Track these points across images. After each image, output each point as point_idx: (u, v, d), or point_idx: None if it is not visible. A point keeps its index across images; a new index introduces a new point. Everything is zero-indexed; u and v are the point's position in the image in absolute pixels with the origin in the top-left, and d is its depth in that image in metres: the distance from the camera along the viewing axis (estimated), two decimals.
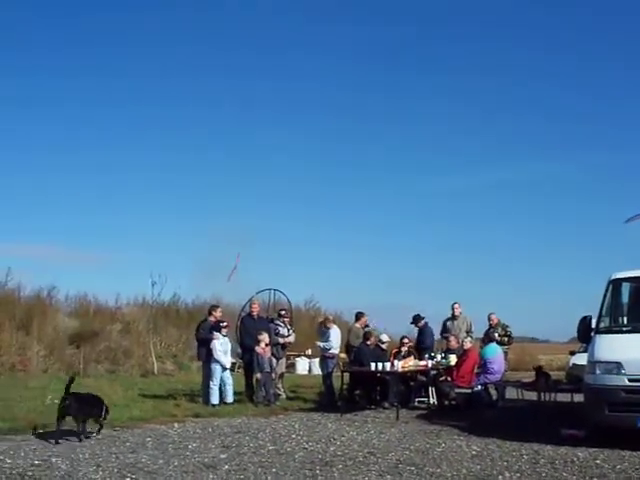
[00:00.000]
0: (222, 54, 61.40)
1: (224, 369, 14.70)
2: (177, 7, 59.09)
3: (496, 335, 16.30)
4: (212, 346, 14.68)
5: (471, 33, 63.55)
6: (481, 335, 17.15)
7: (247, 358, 15.48)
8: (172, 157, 59.60)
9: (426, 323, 17.07)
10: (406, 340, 16.64)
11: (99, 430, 10.73)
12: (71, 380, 10.60)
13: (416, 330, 17.29)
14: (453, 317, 17.18)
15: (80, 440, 10.13)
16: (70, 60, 56.34)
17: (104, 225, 55.47)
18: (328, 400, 15.36)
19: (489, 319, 17.03)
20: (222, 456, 9.33)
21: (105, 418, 10.91)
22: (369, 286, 52.09)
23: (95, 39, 57.92)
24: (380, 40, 63.02)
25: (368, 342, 15.73)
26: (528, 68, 64.53)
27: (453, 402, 14.94)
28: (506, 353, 16.85)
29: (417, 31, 63.40)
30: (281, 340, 15.98)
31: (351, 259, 59.62)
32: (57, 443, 9.88)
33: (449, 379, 15.07)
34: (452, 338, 16.28)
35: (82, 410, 10.39)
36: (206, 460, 9.05)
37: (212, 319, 15.37)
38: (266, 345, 15.06)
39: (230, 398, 14.74)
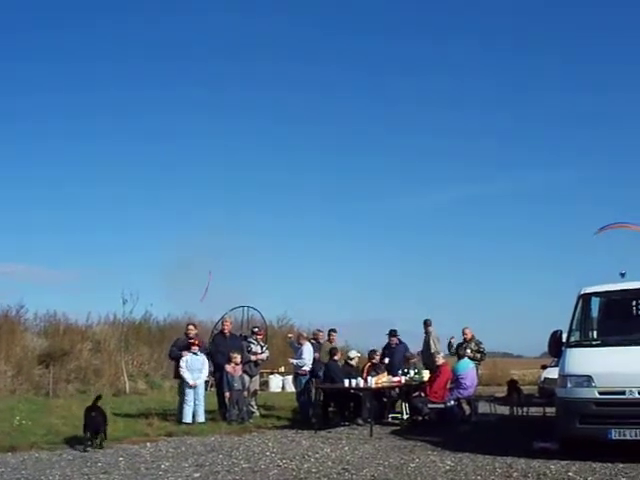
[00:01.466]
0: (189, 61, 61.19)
1: (194, 387, 14.61)
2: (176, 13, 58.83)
3: (468, 351, 16.38)
4: (181, 364, 14.66)
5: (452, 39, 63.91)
6: (447, 350, 17.28)
7: (218, 376, 15.41)
8: (142, 172, 59.24)
9: (399, 340, 17.09)
10: (376, 354, 16.67)
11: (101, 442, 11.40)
12: (98, 398, 11.96)
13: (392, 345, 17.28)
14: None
15: (101, 448, 11.11)
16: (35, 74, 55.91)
17: (73, 243, 55.04)
18: (302, 417, 15.32)
19: (463, 333, 17.09)
20: (195, 475, 9.27)
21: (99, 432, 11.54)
22: (343, 303, 52.13)
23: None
24: (355, 50, 63.34)
25: (335, 358, 15.73)
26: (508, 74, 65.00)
27: (426, 417, 14.98)
28: (477, 368, 16.94)
29: (394, 41, 63.69)
30: (253, 357, 15.90)
31: (326, 276, 59.65)
32: (85, 451, 10.93)
33: (422, 395, 15.12)
34: (408, 354, 16.57)
35: (103, 423, 11.44)
36: (180, 479, 8.99)
37: (186, 337, 15.36)
38: (236, 364, 15.00)
39: (201, 417, 14.64)
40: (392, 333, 17.04)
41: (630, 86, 62.74)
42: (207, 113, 62.09)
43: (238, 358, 15.06)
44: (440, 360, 15.58)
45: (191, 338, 15.18)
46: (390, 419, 15.43)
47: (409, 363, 16.35)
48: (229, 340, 15.71)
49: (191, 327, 15.89)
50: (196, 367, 14.77)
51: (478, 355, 16.97)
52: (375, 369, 15.98)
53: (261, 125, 63.26)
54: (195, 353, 14.84)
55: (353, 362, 16.15)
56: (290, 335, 18.06)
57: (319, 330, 17.39)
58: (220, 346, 15.55)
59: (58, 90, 55.94)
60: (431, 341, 17.24)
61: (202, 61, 61.71)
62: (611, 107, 64.25)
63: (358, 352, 17.16)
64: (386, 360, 16.69)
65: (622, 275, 11.96)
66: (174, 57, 60.84)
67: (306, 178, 64.74)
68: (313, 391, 15.32)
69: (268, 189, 61.90)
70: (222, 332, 16.01)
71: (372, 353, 16.92)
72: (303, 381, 15.65)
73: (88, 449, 11.03)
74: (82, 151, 57.95)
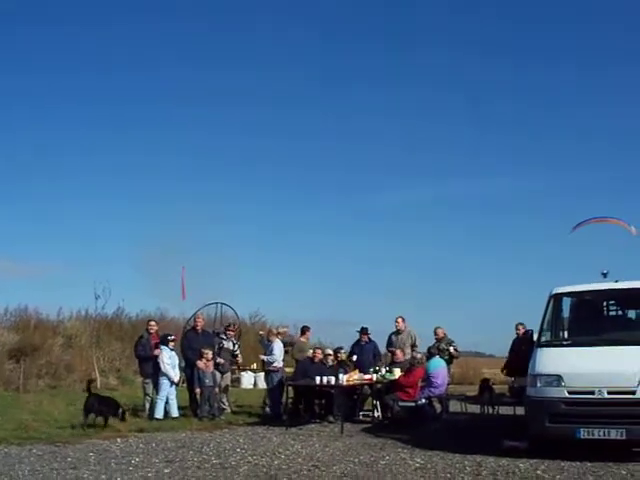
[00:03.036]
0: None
1: (172, 383, 14.63)
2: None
3: (451, 349, 16.47)
4: (159, 360, 14.60)
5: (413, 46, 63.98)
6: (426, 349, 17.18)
7: (189, 372, 15.38)
8: (115, 162, 58.43)
9: (369, 338, 17.03)
10: (341, 352, 16.72)
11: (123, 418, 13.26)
12: (89, 382, 14.00)
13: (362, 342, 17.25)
14: (397, 331, 17.17)
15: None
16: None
17: (45, 235, 54.38)
18: (273, 414, 15.31)
19: (435, 333, 17.10)
20: (166, 471, 9.26)
21: (124, 419, 13.23)
22: (315, 301, 52.01)
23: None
24: (316, 55, 63.15)
25: (315, 358, 15.69)
26: (467, 80, 65.12)
27: (398, 415, 15.01)
28: (449, 367, 16.99)
29: (360, 45, 63.49)
30: (222, 361, 15.82)
31: (297, 275, 59.46)
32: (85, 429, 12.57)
33: (394, 392, 15.14)
34: (398, 351, 16.28)
35: (101, 408, 12.99)
36: (149, 475, 8.98)
37: (148, 334, 15.31)
38: (208, 360, 14.99)
39: (175, 412, 14.64)
40: (363, 331, 16.97)
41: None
42: (183, 100, 61.43)
43: (210, 354, 15.06)
44: (421, 362, 15.36)
45: (167, 334, 15.21)
46: (361, 417, 15.46)
47: (394, 359, 16.23)
48: (201, 336, 15.68)
49: (152, 323, 16.06)
50: (175, 363, 14.82)
51: (456, 353, 17.06)
52: (342, 366, 15.99)
53: (241, 115, 62.72)
54: (172, 349, 14.87)
55: (329, 360, 16.17)
56: (261, 332, 18.06)
57: (283, 326, 17.43)
58: (192, 342, 15.52)
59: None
60: (410, 339, 17.08)
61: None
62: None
63: (330, 350, 17.18)
64: (354, 357, 16.69)
65: (604, 275, 11.87)
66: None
67: (282, 172, 64.42)
68: (280, 387, 15.36)
69: (243, 183, 61.41)
70: (194, 328, 15.98)
71: (338, 350, 16.94)
72: (275, 378, 15.65)
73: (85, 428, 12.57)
74: (51, 142, 57.00)
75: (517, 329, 15.89)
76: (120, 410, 13.31)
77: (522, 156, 64.07)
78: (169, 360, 14.70)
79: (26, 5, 53.80)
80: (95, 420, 13.01)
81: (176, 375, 14.87)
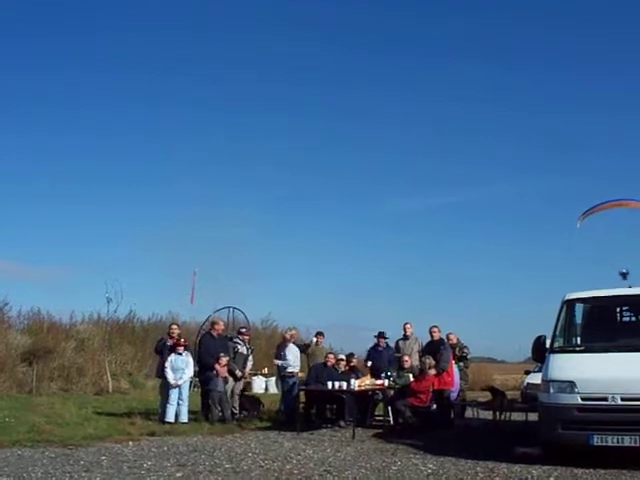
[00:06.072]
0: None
1: (176, 386, 14.61)
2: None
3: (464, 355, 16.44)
4: (166, 363, 14.65)
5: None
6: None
7: (204, 377, 15.37)
8: (125, 168, 58.76)
9: (387, 344, 17.01)
10: (354, 358, 16.68)
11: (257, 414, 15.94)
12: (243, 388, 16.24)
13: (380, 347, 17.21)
14: (405, 337, 17.11)
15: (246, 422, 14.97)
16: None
17: (57, 239, 54.63)
18: (285, 418, 15.30)
19: (448, 339, 17.03)
20: (178, 475, 9.26)
21: (259, 411, 16.22)
22: (325, 306, 52.04)
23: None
24: (325, 61, 63.20)
25: (328, 362, 15.68)
26: (470, 89, 65.16)
27: (409, 421, 14.97)
28: (463, 372, 16.97)
29: (367, 53, 63.58)
30: (239, 373, 15.80)
31: (308, 280, 59.51)
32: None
33: (405, 398, 15.10)
34: (406, 358, 16.24)
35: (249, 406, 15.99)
36: (162, 479, 8.97)
37: (170, 339, 15.30)
38: (222, 365, 15.00)
39: (184, 417, 14.61)
40: (380, 335, 16.94)
41: None
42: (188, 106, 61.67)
43: (224, 360, 15.07)
44: (431, 367, 15.30)
45: (177, 340, 15.22)
46: (373, 422, 15.43)
47: (402, 365, 16.14)
48: (217, 341, 15.64)
49: (174, 327, 15.98)
50: (179, 367, 14.78)
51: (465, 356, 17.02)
52: (354, 372, 15.95)
53: (252, 121, 62.94)
54: (180, 353, 14.86)
55: (341, 365, 16.15)
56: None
57: (291, 328, 17.44)
58: (209, 347, 15.48)
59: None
60: (417, 345, 17.04)
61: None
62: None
63: (342, 355, 17.17)
64: (368, 363, 16.65)
65: (624, 276, 11.67)
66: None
67: (293, 179, 64.52)
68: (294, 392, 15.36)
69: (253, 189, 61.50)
70: (210, 333, 15.94)
71: (350, 356, 16.90)
72: (290, 382, 15.62)
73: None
74: (68, 146, 57.36)
75: (432, 332, 15.49)
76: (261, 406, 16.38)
77: (525, 161, 64.19)
78: (168, 363, 14.69)
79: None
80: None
81: (179, 379, 14.71)
